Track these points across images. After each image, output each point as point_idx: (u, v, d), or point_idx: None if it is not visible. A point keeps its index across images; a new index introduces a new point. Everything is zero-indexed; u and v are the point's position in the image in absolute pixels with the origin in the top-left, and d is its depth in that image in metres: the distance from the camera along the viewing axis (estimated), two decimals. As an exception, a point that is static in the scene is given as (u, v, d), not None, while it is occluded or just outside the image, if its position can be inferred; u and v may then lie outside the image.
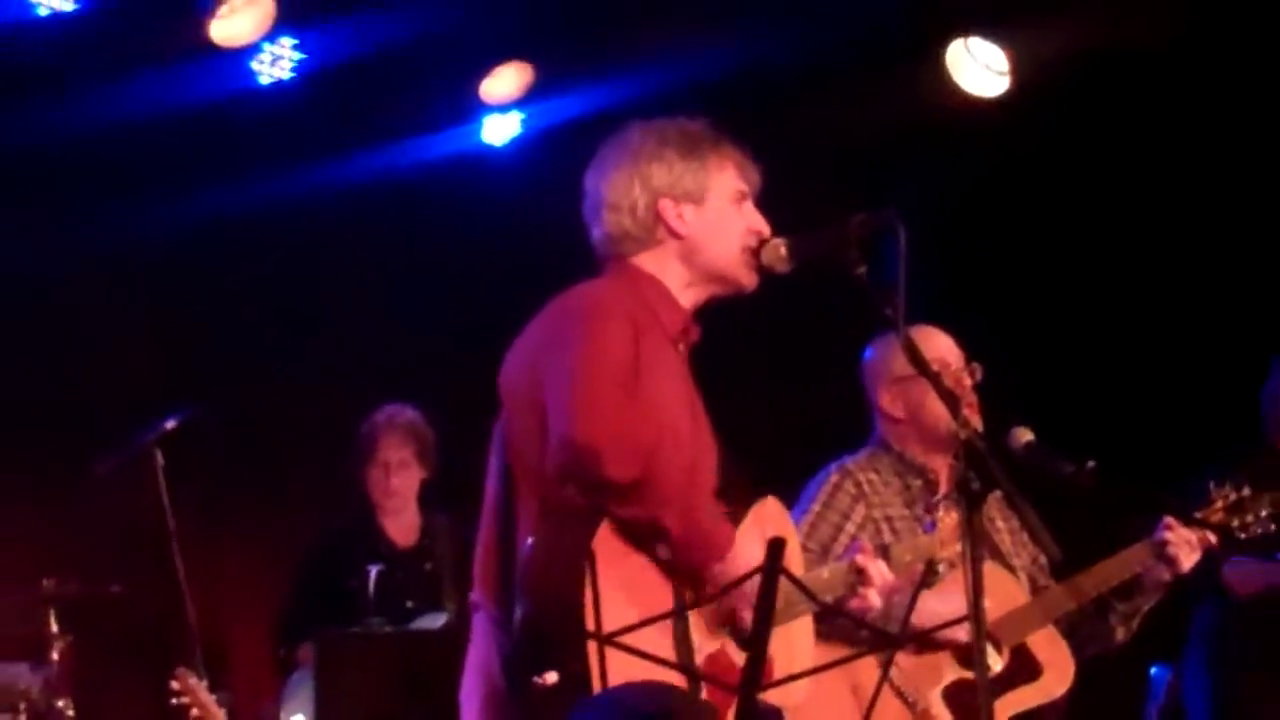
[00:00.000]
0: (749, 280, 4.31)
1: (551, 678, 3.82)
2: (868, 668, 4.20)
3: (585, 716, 3.77)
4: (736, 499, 4.26)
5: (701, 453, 4.25)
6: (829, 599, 4.27)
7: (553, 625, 3.88)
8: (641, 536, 3.90)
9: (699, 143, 4.33)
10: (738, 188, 4.33)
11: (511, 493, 4.11)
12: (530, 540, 3.95)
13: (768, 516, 4.24)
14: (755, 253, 4.28)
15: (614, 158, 4.34)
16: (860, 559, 4.32)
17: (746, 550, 3.94)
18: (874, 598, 4.29)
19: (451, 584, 6.72)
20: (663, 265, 4.29)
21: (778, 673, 4.03)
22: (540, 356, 4.10)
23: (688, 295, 4.31)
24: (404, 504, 7.01)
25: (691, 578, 3.99)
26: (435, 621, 6.68)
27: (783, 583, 3.73)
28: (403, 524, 7.02)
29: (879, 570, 4.30)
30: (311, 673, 6.39)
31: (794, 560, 4.30)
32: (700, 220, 4.28)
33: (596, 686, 3.75)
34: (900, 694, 4.87)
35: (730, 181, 4.32)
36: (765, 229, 4.30)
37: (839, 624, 4.43)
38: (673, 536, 3.92)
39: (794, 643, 4.15)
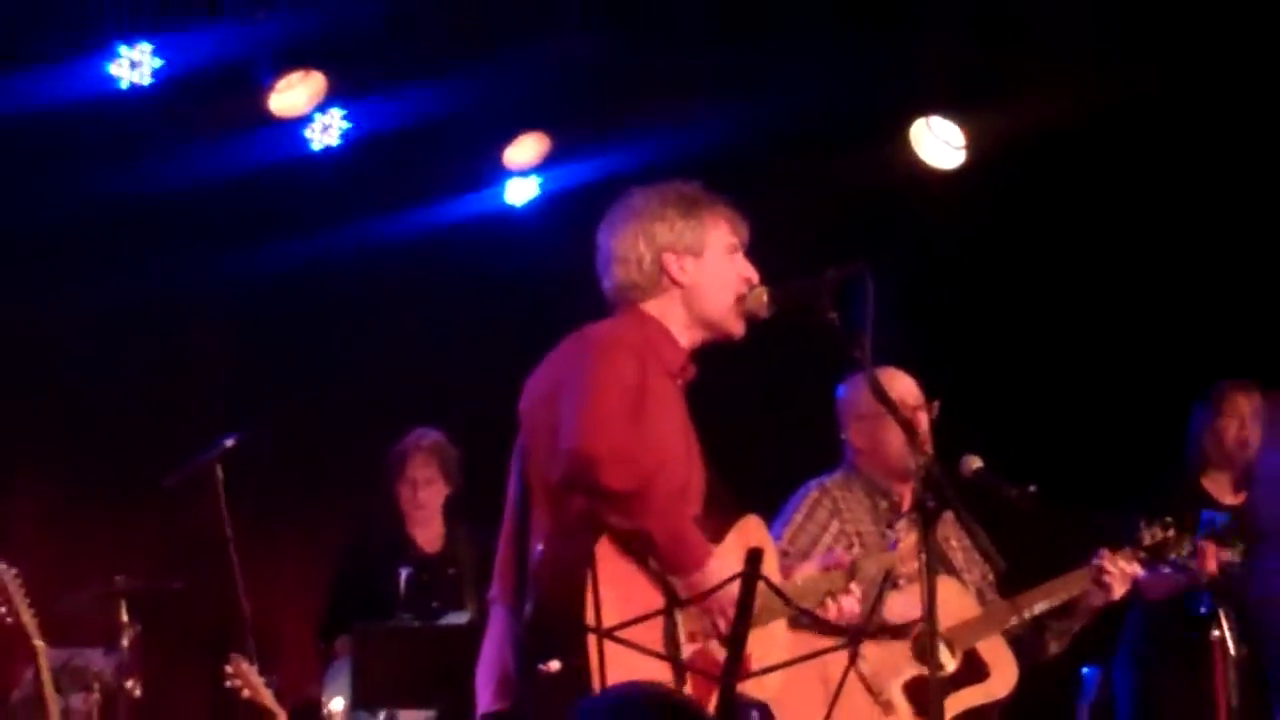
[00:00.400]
0: (737, 328, 4.32)
1: (555, 666, 3.82)
2: (836, 662, 4.18)
3: (589, 706, 3.78)
4: (722, 517, 4.27)
5: (692, 475, 4.26)
6: (809, 605, 4.29)
7: (557, 621, 3.88)
8: (634, 546, 3.91)
9: (696, 202, 4.34)
10: (730, 241, 4.34)
11: (527, 504, 4.12)
12: (541, 547, 3.97)
13: (749, 532, 4.24)
14: (744, 301, 4.30)
15: (621, 217, 4.36)
16: (834, 578, 4.32)
17: (723, 563, 3.94)
18: (833, 612, 4.28)
19: (472, 587, 6.72)
20: (666, 310, 4.30)
21: (755, 667, 4.03)
22: (559, 382, 4.12)
23: (686, 337, 4.32)
24: (430, 516, 7.01)
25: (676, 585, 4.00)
26: (458, 620, 6.66)
27: (763, 590, 3.79)
28: (429, 533, 7.01)
29: (849, 603, 4.28)
30: (349, 660, 6.40)
31: (771, 570, 4.30)
32: (699, 271, 4.30)
33: (595, 677, 3.75)
34: (866, 686, 4.86)
35: (724, 236, 4.33)
36: (755, 277, 4.32)
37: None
38: (659, 547, 3.92)
39: (769, 641, 4.14)
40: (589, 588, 3.82)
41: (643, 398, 4.07)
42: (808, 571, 4.42)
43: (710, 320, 4.31)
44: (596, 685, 3.76)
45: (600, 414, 3.96)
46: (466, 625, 6.52)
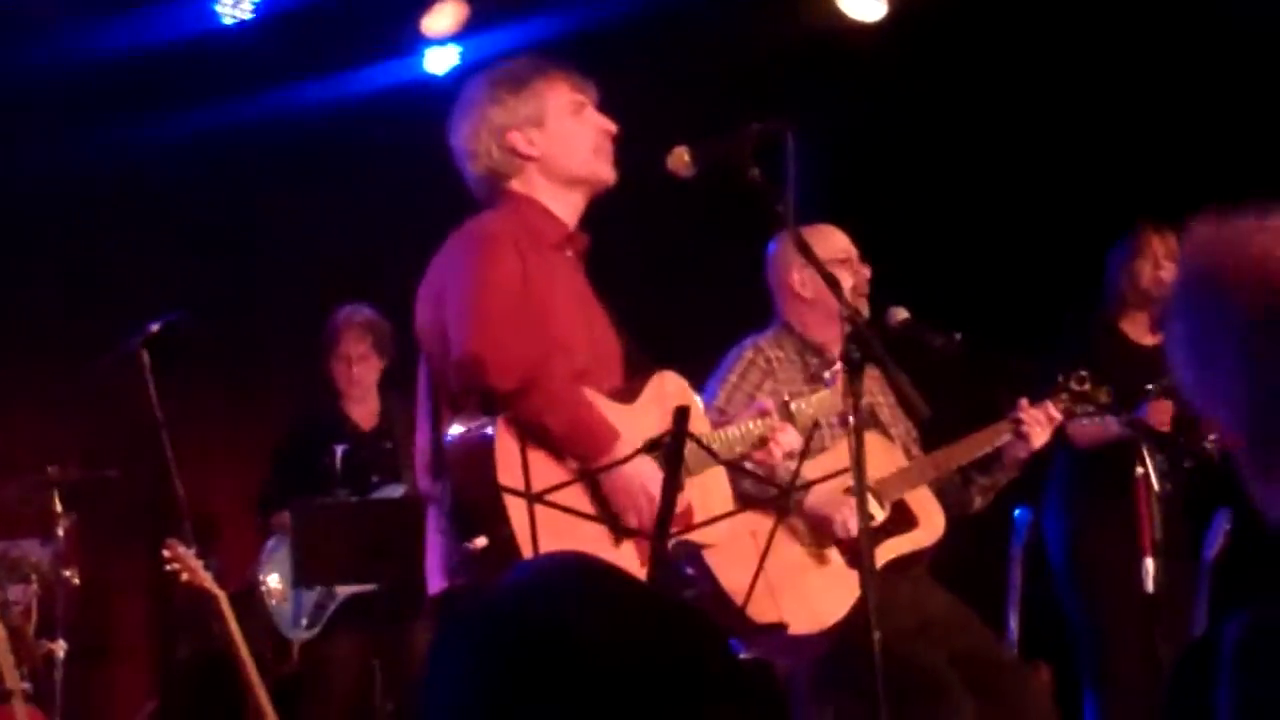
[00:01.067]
0: (607, 174, 4.39)
1: (480, 543, 3.89)
2: (768, 516, 4.25)
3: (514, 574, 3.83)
4: (640, 379, 4.34)
5: (599, 349, 4.32)
6: (738, 452, 4.37)
7: (473, 496, 3.96)
8: (535, 437, 3.96)
9: (525, 74, 4.39)
10: (573, 99, 4.40)
11: (437, 403, 4.20)
12: (448, 434, 4.06)
13: (666, 388, 4.30)
14: (604, 150, 4.34)
15: (460, 113, 4.42)
16: (768, 421, 4.39)
17: (631, 443, 3.99)
18: (777, 453, 4.40)
19: (408, 458, 6.76)
20: (532, 186, 4.36)
21: (698, 516, 4.12)
22: (443, 286, 4.20)
23: (562, 205, 4.37)
24: (365, 392, 7.02)
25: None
26: (395, 492, 6.71)
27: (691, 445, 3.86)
28: (365, 409, 7.04)
29: (788, 437, 4.40)
30: (287, 538, 6.44)
31: (698, 421, 4.37)
32: (546, 139, 4.35)
33: (527, 543, 3.81)
34: (799, 538, 4.94)
35: (564, 95, 4.38)
36: (610, 126, 4.38)
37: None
38: (560, 439, 3.99)
39: (709, 490, 4.22)
40: (517, 454, 3.89)
41: (525, 286, 4.12)
42: (740, 421, 4.50)
43: (575, 177, 4.36)
44: (528, 553, 3.83)
45: (478, 318, 4.03)
46: (404, 498, 6.58)
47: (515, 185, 4.35)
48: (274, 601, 6.57)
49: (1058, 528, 6.40)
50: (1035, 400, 5.15)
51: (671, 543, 4.08)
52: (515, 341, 4.01)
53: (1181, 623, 5.92)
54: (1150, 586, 5.28)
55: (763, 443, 4.39)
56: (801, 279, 5.23)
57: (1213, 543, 6.19)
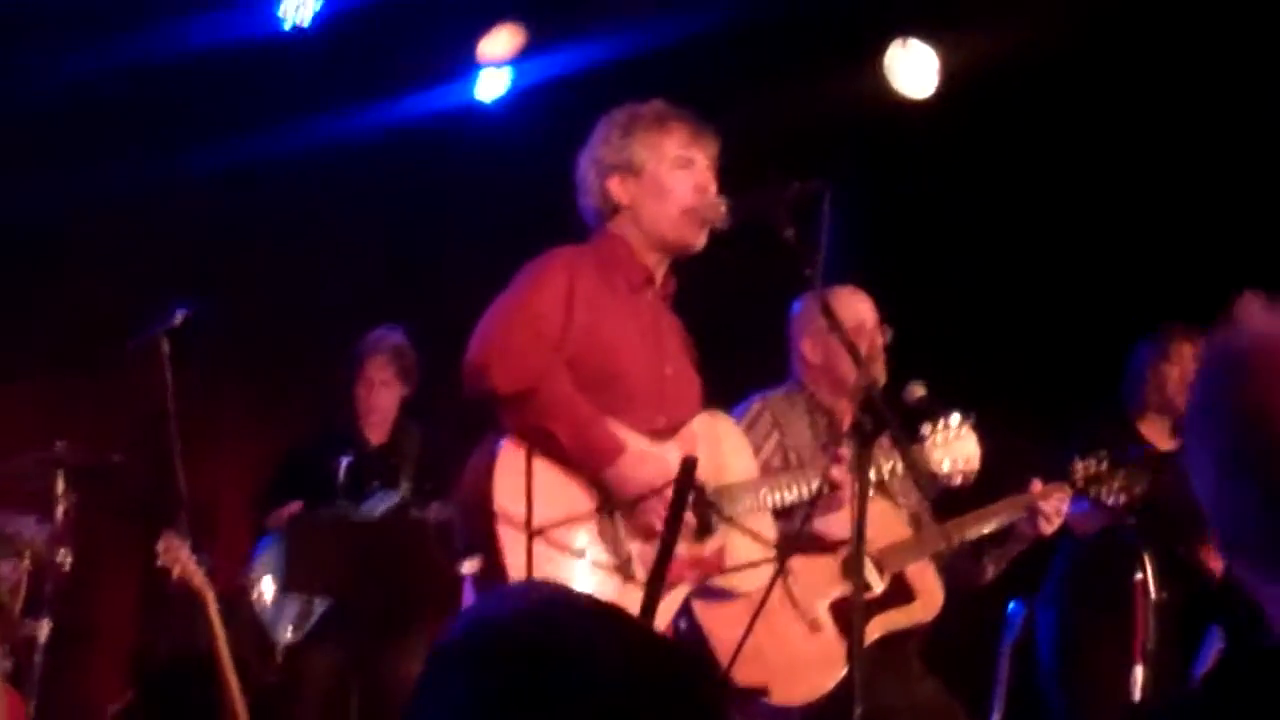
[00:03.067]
0: (692, 237, 4.34)
1: (470, 566, 3.88)
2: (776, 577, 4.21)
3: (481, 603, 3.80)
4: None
5: (670, 389, 4.30)
6: (793, 497, 4.36)
7: (470, 522, 3.94)
8: (537, 445, 3.92)
9: (640, 120, 4.38)
10: (680, 155, 4.35)
11: None
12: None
13: (696, 434, 4.28)
14: (696, 212, 4.30)
15: (584, 145, 4.41)
16: (834, 471, 4.36)
17: (646, 461, 3.95)
18: (845, 496, 4.34)
19: (409, 473, 6.75)
20: (625, 231, 4.37)
21: (729, 563, 4.09)
22: None
23: (649, 256, 4.34)
24: (383, 417, 6.99)
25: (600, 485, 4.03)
26: (390, 499, 6.69)
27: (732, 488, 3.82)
28: (379, 431, 7.00)
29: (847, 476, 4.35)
30: (280, 539, 6.42)
31: (743, 464, 4.34)
32: (639, 189, 4.33)
33: (522, 575, 3.80)
34: (794, 602, 4.88)
35: (671, 150, 4.35)
36: (711, 188, 4.32)
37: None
38: (564, 446, 3.95)
39: (737, 536, 4.19)
40: (494, 490, 3.87)
41: (566, 314, 4.10)
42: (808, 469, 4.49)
43: (658, 235, 4.34)
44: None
45: (496, 326, 4.04)
46: (393, 511, 6.58)
47: (612, 226, 4.37)
48: (262, 603, 6.52)
49: (1051, 624, 6.32)
50: (1048, 481, 5.11)
51: (688, 590, 4.07)
52: (521, 350, 4.01)
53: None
54: (1138, 695, 5.21)
55: (820, 492, 4.33)
56: (812, 345, 5.21)
57: (1204, 660, 6.11)
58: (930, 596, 5.04)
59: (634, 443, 4.12)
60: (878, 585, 4.93)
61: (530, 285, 4.14)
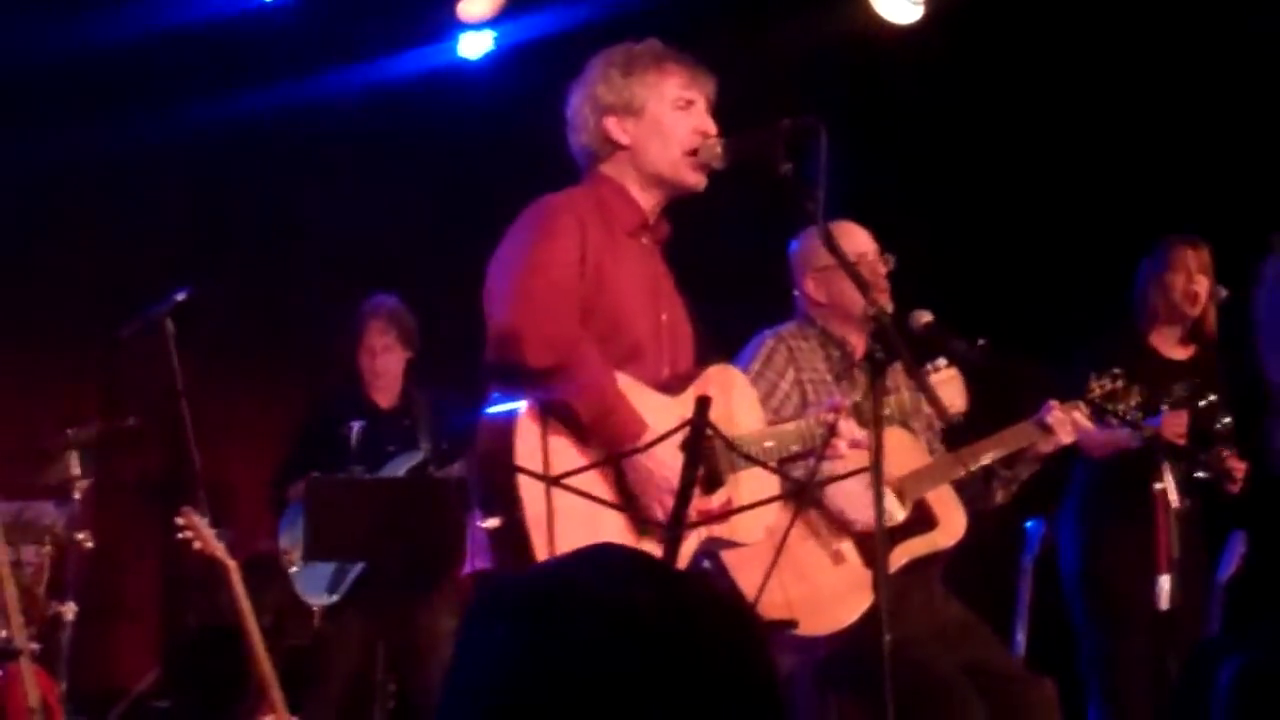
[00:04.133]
0: (693, 180, 4.31)
1: (493, 523, 3.87)
2: (789, 512, 4.21)
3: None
4: (697, 372, 4.32)
5: (666, 337, 4.28)
6: (793, 449, 4.33)
7: (490, 477, 3.94)
8: (560, 419, 3.92)
9: (639, 60, 4.33)
10: (680, 96, 4.31)
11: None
12: (482, 412, 4.03)
13: (713, 381, 4.26)
14: (697, 154, 4.28)
15: (576, 84, 4.39)
16: (832, 416, 4.36)
17: (658, 434, 3.95)
18: (842, 446, 4.34)
19: (427, 432, 6.76)
20: (620, 172, 4.31)
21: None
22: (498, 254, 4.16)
23: (644, 198, 4.32)
24: (389, 382, 6.97)
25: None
26: (412, 459, 6.70)
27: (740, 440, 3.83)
28: (388, 395, 7.00)
29: (849, 426, 4.36)
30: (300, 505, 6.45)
31: (752, 416, 4.34)
32: (640, 129, 4.29)
33: (538, 528, 3.80)
34: (817, 535, 4.89)
35: (671, 91, 4.31)
36: (711, 129, 4.30)
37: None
38: (584, 421, 3.94)
39: (755, 488, 4.18)
40: (537, 439, 3.86)
41: (581, 265, 4.08)
42: (805, 417, 4.47)
43: (659, 177, 4.31)
44: (539, 537, 3.81)
45: (521, 291, 3.99)
46: (415, 470, 6.59)
47: (606, 168, 4.32)
48: (295, 568, 6.54)
49: (1072, 540, 6.33)
50: (1066, 399, 5.11)
51: (703, 537, 4.06)
52: (554, 320, 3.97)
53: (1193, 642, 5.88)
54: (1165, 604, 5.22)
55: (824, 439, 4.34)
56: (815, 281, 5.18)
57: (1228, 564, 6.13)
58: (953, 522, 5.04)
59: (650, 399, 4.10)
60: (900, 513, 4.94)
61: (545, 238, 4.09)
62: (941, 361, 4.86)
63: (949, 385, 4.87)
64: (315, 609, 6.59)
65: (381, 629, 6.37)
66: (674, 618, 1.51)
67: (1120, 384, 5.16)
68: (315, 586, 6.54)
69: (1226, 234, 6.41)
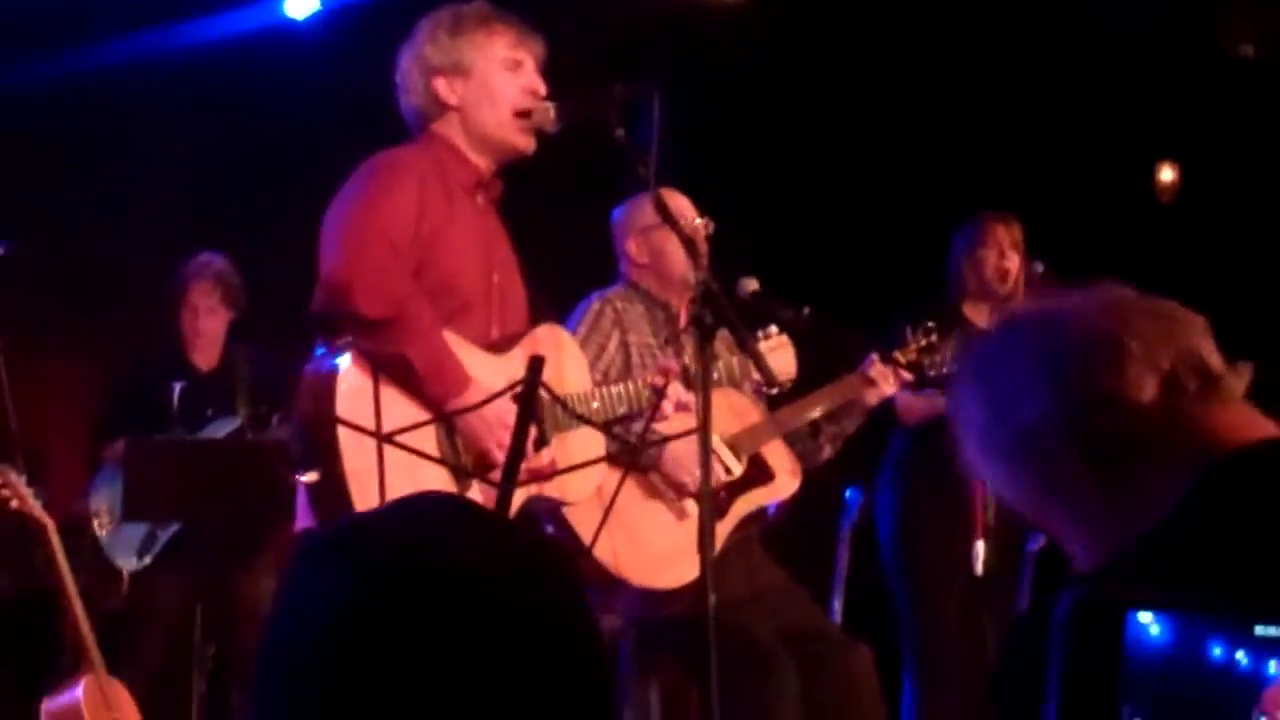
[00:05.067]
0: (522, 142, 4.33)
1: (310, 477, 3.88)
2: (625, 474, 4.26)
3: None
4: (523, 332, 4.35)
5: (498, 296, 4.30)
6: (620, 411, 4.38)
7: (311, 430, 3.94)
8: (388, 370, 3.93)
9: (467, 21, 4.34)
10: (508, 56, 4.33)
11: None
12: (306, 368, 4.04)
13: (541, 341, 4.29)
14: (525, 115, 4.30)
15: (404, 46, 4.39)
16: (657, 379, 4.41)
17: (485, 391, 3.97)
18: (668, 408, 4.40)
19: (245, 397, 6.70)
20: (450, 132, 4.33)
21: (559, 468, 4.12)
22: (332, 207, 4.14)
23: (477, 158, 4.34)
24: (210, 342, 6.89)
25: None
26: (228, 426, 6.63)
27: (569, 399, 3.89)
28: (208, 356, 6.92)
29: (676, 389, 4.42)
30: (116, 466, 6.36)
31: (579, 377, 4.38)
32: (468, 90, 4.31)
33: (358, 481, 3.83)
34: (659, 496, 4.94)
35: (499, 52, 4.32)
36: (541, 90, 4.31)
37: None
38: (417, 373, 3.96)
39: (581, 449, 4.23)
40: (338, 395, 3.88)
41: (416, 221, 4.09)
42: (633, 380, 4.53)
43: (486, 138, 4.32)
44: (358, 490, 3.83)
45: (356, 241, 4.00)
46: (238, 440, 6.52)
47: (437, 127, 4.32)
48: (104, 531, 6.46)
49: (889, 506, 6.43)
50: (885, 353, 5.22)
51: (527, 495, 4.09)
52: (387, 272, 3.98)
53: (1005, 607, 6.02)
54: (979, 569, 5.35)
55: (651, 402, 4.38)
56: (638, 245, 5.24)
57: (1038, 535, 6.27)
58: (788, 473, 5.16)
59: (475, 357, 4.13)
60: (737, 468, 5.03)
61: (383, 191, 4.09)
62: (773, 329, 4.95)
63: (780, 353, 4.95)
64: (125, 573, 6.51)
65: (198, 592, 6.32)
66: (497, 561, 1.52)
67: (935, 338, 5.30)
68: (125, 550, 6.46)
69: (1040, 209, 6.56)
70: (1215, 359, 2.01)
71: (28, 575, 6.53)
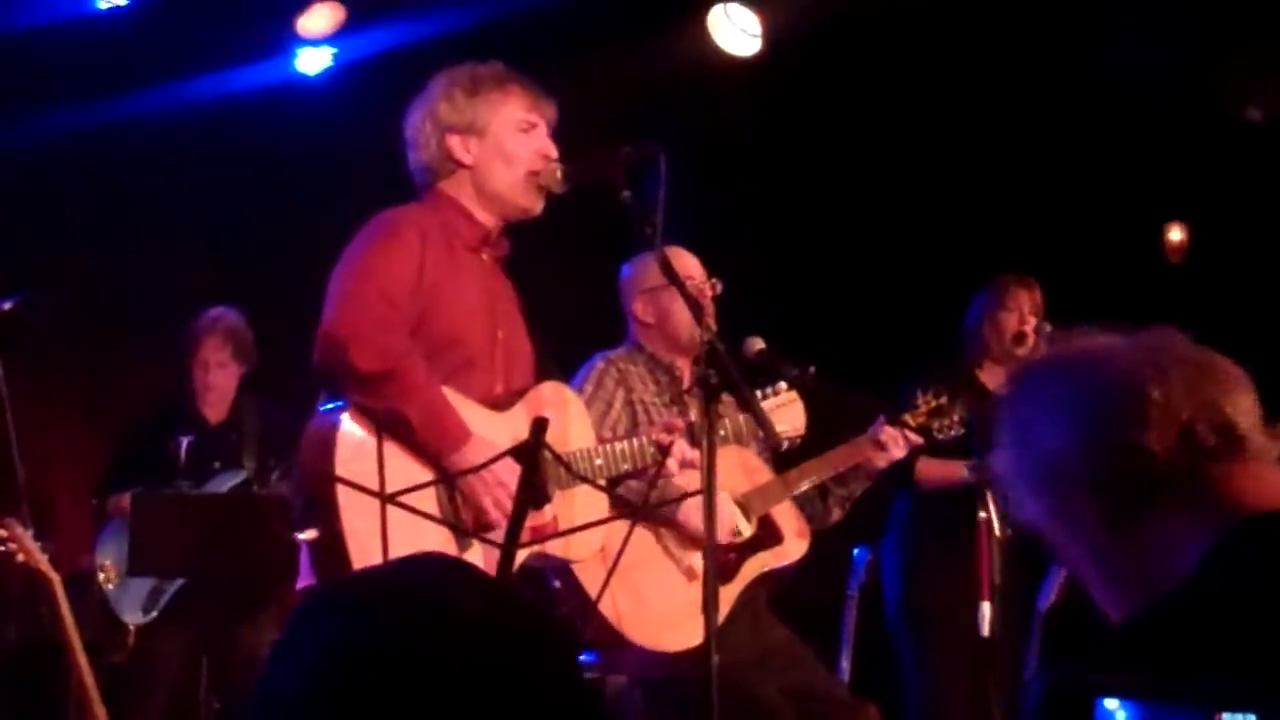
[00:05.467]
0: (532, 203, 4.36)
1: (309, 534, 3.89)
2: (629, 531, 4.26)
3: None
4: (525, 390, 4.35)
5: (502, 354, 4.31)
6: (624, 469, 4.38)
7: (310, 487, 3.95)
8: (385, 426, 3.93)
9: (483, 81, 4.37)
10: (522, 119, 4.36)
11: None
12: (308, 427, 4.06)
13: (544, 400, 4.29)
14: (539, 177, 4.32)
15: (416, 102, 4.42)
16: (663, 437, 4.40)
17: (485, 445, 3.98)
18: (673, 466, 4.42)
19: (252, 450, 6.71)
20: (459, 190, 4.36)
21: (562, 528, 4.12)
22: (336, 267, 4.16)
23: (483, 215, 4.35)
24: (220, 396, 6.90)
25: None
26: (234, 479, 6.64)
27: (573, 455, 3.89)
28: (217, 410, 6.93)
29: (681, 446, 4.42)
30: (124, 525, 6.37)
31: (584, 434, 4.38)
32: (482, 150, 4.33)
33: (360, 539, 3.84)
34: (669, 553, 4.93)
35: (514, 113, 4.35)
36: (553, 153, 4.34)
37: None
38: (414, 429, 3.96)
39: (583, 506, 4.23)
40: (336, 452, 3.89)
41: (415, 278, 4.10)
42: (638, 437, 4.53)
43: (497, 198, 4.34)
44: (356, 549, 3.85)
45: (354, 296, 4.03)
46: (244, 494, 6.53)
47: (445, 186, 4.34)
48: (111, 585, 6.46)
49: (896, 567, 6.44)
50: (893, 416, 5.22)
51: (530, 553, 4.09)
52: (382, 328, 4.00)
53: (1013, 668, 6.00)
54: (986, 631, 5.33)
55: (656, 459, 4.38)
56: (644, 304, 5.26)
57: (1048, 593, 6.26)
58: (798, 535, 5.16)
59: (476, 414, 4.13)
60: (747, 529, 5.02)
61: (382, 250, 4.12)
62: (782, 385, 4.95)
63: (790, 408, 4.96)
64: (131, 627, 6.51)
65: (204, 645, 6.32)
66: (489, 620, 1.54)
67: (944, 400, 5.29)
68: (131, 605, 6.47)
69: (1050, 269, 6.57)
70: (1245, 417, 1.98)
71: (34, 627, 6.53)
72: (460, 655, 1.51)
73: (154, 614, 6.43)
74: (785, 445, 4.80)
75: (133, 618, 6.45)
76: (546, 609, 4.58)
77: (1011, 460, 2.08)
